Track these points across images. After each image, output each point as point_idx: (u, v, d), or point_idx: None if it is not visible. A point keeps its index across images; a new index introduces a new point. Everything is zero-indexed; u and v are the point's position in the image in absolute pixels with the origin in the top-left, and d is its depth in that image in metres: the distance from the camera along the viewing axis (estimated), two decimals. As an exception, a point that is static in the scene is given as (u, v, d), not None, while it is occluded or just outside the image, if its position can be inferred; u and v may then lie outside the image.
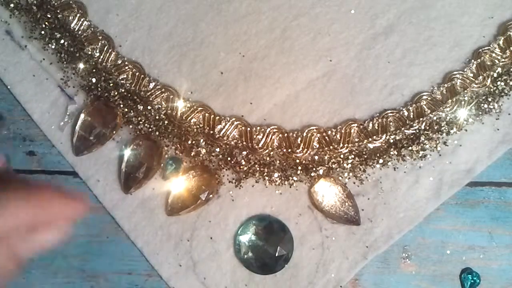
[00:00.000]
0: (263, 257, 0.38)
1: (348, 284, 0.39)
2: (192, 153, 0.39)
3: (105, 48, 0.39)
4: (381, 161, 0.39)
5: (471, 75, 0.40)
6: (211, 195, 0.38)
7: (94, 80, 0.39)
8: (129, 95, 0.39)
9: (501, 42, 0.40)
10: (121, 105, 0.39)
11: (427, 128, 0.39)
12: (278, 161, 0.39)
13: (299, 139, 0.39)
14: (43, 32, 0.39)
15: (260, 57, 0.40)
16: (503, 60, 0.40)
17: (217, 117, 0.39)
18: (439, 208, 0.39)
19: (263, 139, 0.39)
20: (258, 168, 0.38)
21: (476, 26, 0.41)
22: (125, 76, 0.39)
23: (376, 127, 0.39)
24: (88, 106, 0.39)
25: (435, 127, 0.39)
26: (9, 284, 0.39)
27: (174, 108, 0.39)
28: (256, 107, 0.39)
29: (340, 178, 0.39)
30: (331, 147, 0.39)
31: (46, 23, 0.39)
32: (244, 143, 0.38)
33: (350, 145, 0.39)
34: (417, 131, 0.39)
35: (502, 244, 0.39)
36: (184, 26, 0.40)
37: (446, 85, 0.39)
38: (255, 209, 0.39)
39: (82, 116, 0.38)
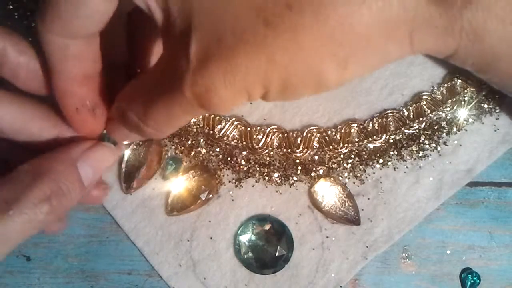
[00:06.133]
0: (263, 257, 0.38)
1: (348, 284, 0.39)
2: (192, 153, 0.39)
3: (105, 48, 0.39)
4: (381, 161, 0.39)
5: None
6: (211, 195, 0.38)
7: (94, 80, 0.39)
8: (129, 95, 0.39)
9: (501, 42, 0.40)
10: (121, 105, 0.39)
11: (427, 128, 0.39)
12: (278, 161, 0.39)
13: (299, 139, 0.39)
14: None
15: (260, 57, 0.40)
16: (503, 60, 0.40)
17: (217, 117, 0.39)
18: (439, 208, 0.39)
19: (263, 139, 0.39)
20: (258, 168, 0.38)
21: (476, 26, 0.41)
22: (125, 76, 0.39)
23: (376, 127, 0.39)
24: (88, 106, 0.39)
25: (435, 127, 0.39)
26: (9, 283, 0.40)
27: (174, 108, 0.39)
28: (256, 107, 0.39)
29: (340, 178, 0.39)
30: (331, 147, 0.39)
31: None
32: (244, 143, 0.38)
33: (350, 145, 0.39)
34: (417, 131, 0.39)
35: (502, 244, 0.39)
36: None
37: (446, 85, 0.39)
38: (255, 209, 0.39)
39: (82, 116, 0.39)
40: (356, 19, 0.20)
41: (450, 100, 0.39)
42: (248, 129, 0.39)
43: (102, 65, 0.27)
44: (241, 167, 0.38)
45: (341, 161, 0.39)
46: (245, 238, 0.38)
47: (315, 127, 0.39)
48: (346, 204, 0.38)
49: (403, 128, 0.39)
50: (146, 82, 0.25)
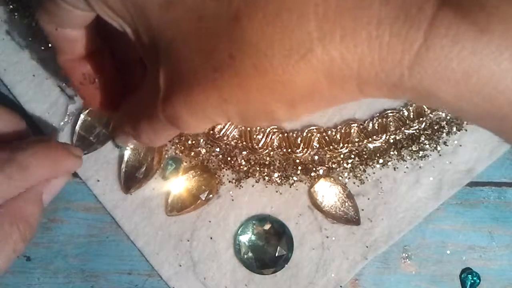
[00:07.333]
0: (263, 257, 0.38)
1: (348, 284, 0.39)
2: (192, 153, 0.39)
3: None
4: (381, 161, 0.39)
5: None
6: (211, 195, 0.38)
7: (94, 80, 0.39)
8: (129, 95, 0.39)
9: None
10: (121, 105, 0.39)
11: (427, 128, 0.39)
12: (278, 161, 0.39)
13: (299, 139, 0.39)
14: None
15: (260, 57, 0.40)
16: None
17: (217, 117, 0.39)
18: (439, 208, 0.39)
19: (263, 139, 0.39)
20: (258, 168, 0.38)
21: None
22: (125, 76, 0.39)
23: (376, 127, 0.39)
24: (88, 106, 0.39)
25: (435, 127, 0.39)
26: (9, 283, 0.40)
27: (174, 108, 0.39)
28: (256, 107, 0.39)
29: (340, 178, 0.39)
30: (331, 147, 0.39)
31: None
32: (244, 143, 0.38)
33: (350, 145, 0.39)
34: (417, 131, 0.39)
35: (502, 244, 0.39)
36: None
37: (446, 85, 0.39)
38: (255, 209, 0.39)
39: (82, 116, 0.38)
40: (295, 72, 0.20)
41: (450, 100, 0.39)
42: (248, 129, 0.39)
43: (113, 56, 0.31)
44: (241, 167, 0.38)
45: (341, 161, 0.39)
46: (245, 238, 0.38)
47: (315, 127, 0.39)
48: (346, 204, 0.38)
49: (403, 128, 0.39)
50: (135, 100, 0.28)
